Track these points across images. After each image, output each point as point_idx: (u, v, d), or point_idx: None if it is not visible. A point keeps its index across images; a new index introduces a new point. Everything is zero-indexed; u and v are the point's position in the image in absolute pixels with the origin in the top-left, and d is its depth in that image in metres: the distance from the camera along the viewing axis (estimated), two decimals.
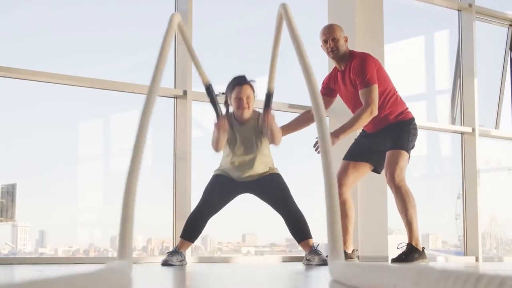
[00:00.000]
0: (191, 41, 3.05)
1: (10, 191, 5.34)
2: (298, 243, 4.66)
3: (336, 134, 4.52)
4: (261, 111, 4.53)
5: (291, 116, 5.37)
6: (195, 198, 5.14)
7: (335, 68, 4.87)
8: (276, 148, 4.60)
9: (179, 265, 4.43)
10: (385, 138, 4.77)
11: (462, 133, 7.20)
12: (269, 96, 4.41)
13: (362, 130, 4.87)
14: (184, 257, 4.55)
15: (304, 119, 5.07)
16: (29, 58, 5.33)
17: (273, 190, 4.53)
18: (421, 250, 4.72)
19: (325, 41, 4.75)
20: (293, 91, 6.60)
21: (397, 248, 4.81)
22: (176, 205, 5.38)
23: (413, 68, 7.51)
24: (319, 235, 5.91)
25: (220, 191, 4.55)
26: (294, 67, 7.26)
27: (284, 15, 2.60)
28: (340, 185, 4.82)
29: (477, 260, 6.88)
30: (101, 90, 5.29)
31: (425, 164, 7.69)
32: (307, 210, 4.69)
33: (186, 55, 5.49)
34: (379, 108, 4.64)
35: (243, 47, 6.53)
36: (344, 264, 1.37)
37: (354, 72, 4.67)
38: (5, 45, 5.27)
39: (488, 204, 7.36)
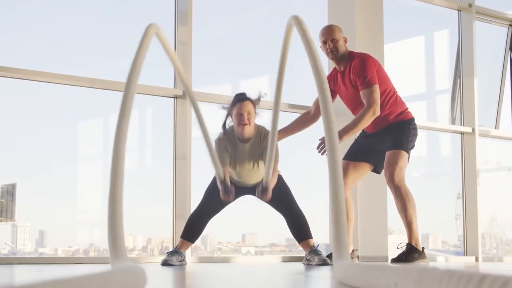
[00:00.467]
0: (174, 53, 3.02)
1: (10, 191, 5.34)
2: (299, 243, 4.66)
3: (339, 135, 4.52)
4: (260, 119, 4.57)
5: (291, 116, 5.37)
6: (195, 198, 5.14)
7: (335, 68, 4.87)
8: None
9: (179, 265, 4.43)
10: (385, 138, 4.77)
11: (462, 133, 7.19)
12: (265, 188, 4.40)
13: (362, 130, 4.87)
14: (184, 257, 4.55)
15: (304, 120, 5.07)
16: (29, 58, 5.33)
17: (274, 190, 4.53)
18: (421, 250, 4.72)
19: (324, 42, 4.75)
20: (293, 91, 6.60)
21: (397, 248, 4.81)
22: (176, 205, 5.38)
23: (413, 68, 7.51)
24: (320, 235, 5.91)
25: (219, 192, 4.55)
26: (294, 67, 7.28)
27: (298, 28, 2.51)
28: None
29: (477, 260, 6.88)
30: (101, 90, 5.29)
31: (425, 164, 7.69)
32: (307, 210, 4.69)
33: (185, 55, 5.49)
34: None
35: (243, 47, 6.53)
36: (349, 265, 1.36)
37: (354, 73, 4.67)
38: (5, 45, 5.27)
39: (488, 204, 7.37)
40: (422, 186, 7.62)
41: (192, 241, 4.58)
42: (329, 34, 4.74)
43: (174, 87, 5.51)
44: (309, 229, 4.63)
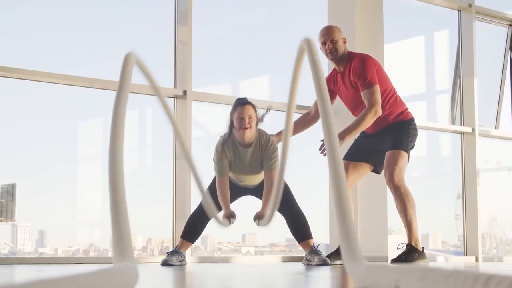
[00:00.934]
0: (157, 83, 2.95)
1: (10, 191, 5.34)
2: (299, 243, 4.66)
3: (341, 136, 4.52)
4: (262, 124, 4.58)
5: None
6: (195, 198, 5.14)
7: (334, 69, 4.87)
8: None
9: (178, 265, 4.43)
10: (384, 138, 4.77)
11: (462, 133, 7.19)
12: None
13: (362, 130, 4.87)
14: (184, 257, 4.55)
15: (304, 121, 5.07)
16: (29, 58, 5.33)
17: None
18: (420, 250, 4.72)
19: (324, 43, 4.75)
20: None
21: (397, 249, 4.81)
22: (176, 205, 5.38)
23: (413, 68, 7.51)
24: (320, 236, 5.91)
25: None
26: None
27: (308, 52, 2.42)
28: None
29: (477, 260, 6.88)
30: (100, 90, 5.29)
31: (425, 164, 7.69)
32: (308, 210, 4.69)
33: (185, 55, 5.49)
34: None
35: (243, 47, 6.53)
36: (372, 267, 1.32)
37: (354, 74, 4.66)
38: (5, 45, 5.27)
39: (488, 204, 7.37)
40: (422, 186, 7.62)
41: (192, 241, 4.58)
42: (328, 35, 4.73)
43: (174, 87, 5.51)
44: (309, 229, 4.63)
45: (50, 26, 5.55)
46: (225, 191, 4.45)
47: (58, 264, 4.62)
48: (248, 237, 6.47)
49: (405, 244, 4.73)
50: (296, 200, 4.65)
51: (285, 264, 5.15)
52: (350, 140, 4.89)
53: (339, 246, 4.89)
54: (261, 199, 4.60)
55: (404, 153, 4.72)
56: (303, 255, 4.69)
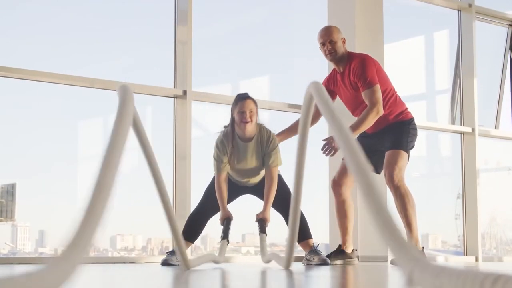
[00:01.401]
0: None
1: (10, 191, 5.35)
2: (298, 243, 4.66)
3: None
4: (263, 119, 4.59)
5: (291, 116, 5.37)
6: (195, 198, 5.14)
7: (334, 69, 4.87)
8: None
9: (178, 264, 4.43)
10: (384, 138, 4.77)
11: (462, 133, 7.20)
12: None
13: None
14: None
15: None
16: (29, 58, 5.33)
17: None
18: (420, 250, 4.72)
19: (323, 44, 4.75)
20: (293, 91, 6.60)
21: None
22: (176, 205, 5.38)
23: (413, 68, 7.51)
24: (319, 235, 5.92)
25: None
26: (294, 67, 7.24)
27: (317, 98, 2.38)
28: (340, 185, 4.83)
29: (476, 260, 6.88)
30: (100, 90, 5.29)
31: (424, 164, 7.69)
32: (308, 210, 4.68)
33: (185, 55, 5.49)
34: None
35: (243, 47, 6.53)
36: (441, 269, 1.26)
37: (354, 74, 4.66)
38: (5, 45, 5.27)
39: (487, 204, 7.36)
40: (422, 186, 7.62)
41: (192, 241, 4.58)
42: (327, 36, 4.73)
43: (174, 87, 5.52)
44: (309, 229, 4.64)
45: (50, 26, 5.55)
46: (223, 190, 4.46)
47: None
48: (248, 237, 6.48)
49: None
50: None
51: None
52: None
53: (339, 246, 4.89)
54: (261, 198, 4.60)
55: (404, 153, 4.72)
56: (303, 255, 4.69)
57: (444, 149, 7.90)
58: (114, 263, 4.90)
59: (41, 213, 5.44)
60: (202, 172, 5.27)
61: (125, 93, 2.22)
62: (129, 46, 5.89)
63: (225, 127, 4.57)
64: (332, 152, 4.55)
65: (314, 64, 6.38)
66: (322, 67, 6.08)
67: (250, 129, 4.46)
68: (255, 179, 4.64)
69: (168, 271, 3.53)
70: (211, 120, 4.86)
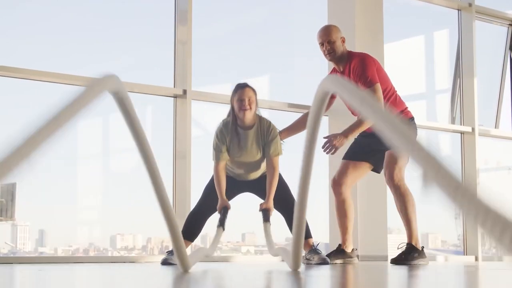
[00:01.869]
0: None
1: (10, 190, 5.35)
2: None
3: (345, 134, 4.54)
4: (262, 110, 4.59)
5: (291, 115, 5.37)
6: (194, 197, 5.14)
7: (334, 68, 4.87)
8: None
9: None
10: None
11: (462, 133, 7.20)
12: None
13: None
14: None
15: (305, 120, 5.06)
16: (29, 58, 5.33)
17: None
18: (420, 249, 4.72)
19: (322, 44, 4.75)
20: (293, 91, 6.60)
21: (398, 249, 4.81)
22: (176, 204, 5.38)
23: (413, 67, 7.51)
24: (319, 235, 5.92)
25: None
26: (294, 67, 7.24)
27: (339, 88, 2.22)
28: (340, 184, 4.83)
29: (476, 259, 6.89)
30: None
31: None
32: (308, 209, 4.67)
33: (185, 55, 5.49)
34: None
35: (243, 47, 6.53)
36: None
37: (354, 73, 4.66)
38: (5, 44, 5.27)
39: None
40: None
41: (192, 240, 4.58)
42: (326, 36, 4.73)
43: (174, 87, 5.52)
44: (308, 228, 4.63)
45: (50, 26, 5.56)
46: (221, 178, 4.47)
47: (58, 264, 4.62)
48: (248, 237, 6.48)
49: (405, 244, 4.73)
50: (296, 199, 4.64)
51: (285, 263, 5.14)
52: (350, 140, 4.90)
53: (339, 245, 4.89)
54: (260, 196, 4.60)
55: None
56: (303, 254, 4.69)
57: (444, 148, 7.90)
58: (114, 262, 4.90)
59: (41, 212, 5.44)
60: (202, 172, 5.27)
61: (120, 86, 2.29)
62: (129, 46, 5.90)
63: (222, 121, 4.59)
64: (332, 150, 4.55)
65: (314, 64, 6.39)
66: (322, 67, 6.07)
67: (249, 117, 4.48)
68: (256, 173, 4.62)
69: (168, 271, 3.53)
70: (211, 120, 4.86)
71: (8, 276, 3.15)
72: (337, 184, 4.85)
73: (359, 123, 4.59)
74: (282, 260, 4.17)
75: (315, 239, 4.72)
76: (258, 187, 4.60)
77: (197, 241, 4.90)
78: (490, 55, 7.93)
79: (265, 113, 5.22)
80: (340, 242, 4.89)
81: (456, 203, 1.28)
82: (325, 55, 4.77)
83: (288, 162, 4.82)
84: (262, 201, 4.57)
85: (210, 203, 4.52)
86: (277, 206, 4.59)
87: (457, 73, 7.35)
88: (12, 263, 4.64)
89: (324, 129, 5.67)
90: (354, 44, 5.84)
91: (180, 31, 5.56)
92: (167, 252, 4.59)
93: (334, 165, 5.57)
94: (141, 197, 5.69)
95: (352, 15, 6.14)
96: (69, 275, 3.29)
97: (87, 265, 4.41)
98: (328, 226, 6.08)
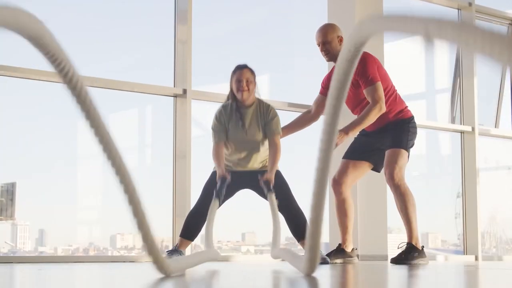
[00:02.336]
0: None
1: (9, 190, 5.35)
2: (298, 242, 4.66)
3: (345, 131, 4.54)
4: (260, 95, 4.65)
5: (291, 115, 5.37)
6: (194, 197, 5.14)
7: (334, 67, 4.87)
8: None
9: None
10: (384, 137, 4.77)
11: (462, 132, 7.20)
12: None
13: (362, 129, 4.87)
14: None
15: (304, 119, 5.08)
16: (29, 57, 5.33)
17: (274, 188, 4.53)
18: (420, 249, 4.72)
19: (318, 45, 4.78)
20: (293, 90, 6.60)
21: (398, 248, 4.81)
22: (176, 204, 5.38)
23: (413, 67, 7.51)
24: None
25: None
26: (294, 67, 7.24)
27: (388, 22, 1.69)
28: (340, 184, 4.83)
29: (476, 259, 6.89)
30: (100, 89, 5.29)
31: (424, 163, 7.69)
32: (307, 209, 4.68)
33: (185, 54, 5.49)
34: None
35: (243, 47, 6.53)
36: None
37: (355, 72, 4.66)
38: (5, 44, 5.27)
39: (487, 203, 7.37)
40: (422, 185, 7.62)
41: (191, 239, 4.58)
42: (321, 37, 4.76)
43: (174, 86, 5.52)
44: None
45: (50, 26, 5.55)
46: (220, 153, 4.49)
47: (58, 263, 4.62)
48: (247, 236, 6.48)
49: (405, 243, 4.74)
50: (295, 199, 4.64)
51: (285, 262, 5.14)
52: (349, 139, 4.90)
53: (339, 245, 4.90)
54: (260, 194, 4.58)
55: (404, 152, 4.72)
56: (303, 254, 4.69)
57: (444, 148, 7.90)
58: (114, 262, 4.90)
59: (41, 212, 5.44)
60: (201, 171, 5.27)
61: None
62: (129, 46, 5.90)
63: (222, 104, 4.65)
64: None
65: (314, 64, 6.39)
66: (322, 67, 6.07)
67: (247, 97, 4.53)
68: (256, 159, 4.58)
69: None
70: (210, 119, 4.86)
71: (8, 275, 3.15)
72: (337, 183, 4.85)
73: (360, 120, 4.59)
74: (283, 260, 4.07)
75: None
76: (257, 184, 4.57)
77: (197, 240, 4.90)
78: None
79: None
80: (340, 241, 4.90)
81: (458, 38, 1.23)
82: (323, 56, 4.79)
83: (288, 162, 4.83)
84: (262, 200, 4.57)
85: (210, 202, 4.51)
86: (278, 207, 4.59)
87: (457, 72, 7.35)
88: (12, 262, 4.65)
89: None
90: None
91: (180, 31, 5.56)
92: (167, 251, 4.59)
93: (334, 164, 5.57)
94: (141, 196, 5.69)
95: (352, 15, 6.14)
96: (69, 275, 3.29)
97: (87, 265, 4.41)
98: (328, 225, 6.07)
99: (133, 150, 5.98)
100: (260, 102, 4.60)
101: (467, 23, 1.12)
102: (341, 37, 4.77)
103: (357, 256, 5.01)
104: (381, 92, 4.61)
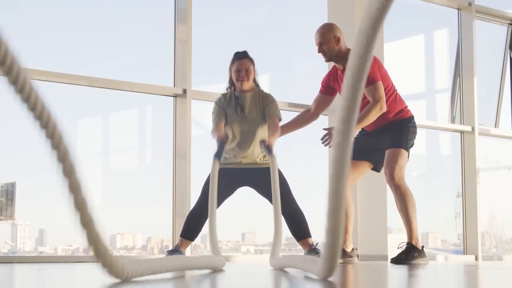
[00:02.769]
0: None
1: (9, 190, 5.35)
2: (298, 242, 4.66)
3: None
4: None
5: (291, 115, 5.37)
6: (194, 196, 5.14)
7: (335, 66, 4.88)
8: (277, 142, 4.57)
9: None
10: (384, 137, 4.77)
11: (462, 132, 7.20)
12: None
13: (362, 128, 4.87)
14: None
15: (303, 118, 5.08)
16: (29, 57, 5.33)
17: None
18: (420, 248, 4.72)
19: (316, 46, 4.79)
20: (293, 90, 6.60)
21: (398, 248, 4.81)
22: (176, 204, 5.38)
23: (413, 67, 7.51)
24: (319, 234, 5.91)
25: (219, 186, 4.51)
26: (294, 67, 7.24)
27: None
28: None
29: (476, 259, 6.89)
30: (100, 89, 5.30)
31: (424, 163, 7.70)
32: (307, 208, 4.68)
33: (185, 54, 5.49)
34: None
35: (243, 47, 6.52)
36: None
37: None
38: None
39: (487, 202, 7.37)
40: (422, 185, 7.62)
41: (192, 239, 4.58)
42: (317, 39, 4.77)
43: (174, 86, 5.52)
44: (308, 227, 4.63)
45: (50, 26, 5.56)
46: (220, 127, 4.52)
47: (58, 263, 4.62)
48: (247, 236, 6.48)
49: (405, 243, 4.74)
50: (295, 198, 4.64)
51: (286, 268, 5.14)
52: None
53: None
54: (260, 192, 4.57)
55: (404, 152, 4.72)
56: (303, 254, 4.69)
57: (444, 148, 7.91)
58: None
59: (40, 212, 5.44)
60: (201, 171, 5.27)
61: None
62: (129, 46, 5.90)
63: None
64: (331, 143, 4.56)
65: (314, 64, 6.39)
66: (322, 67, 6.08)
67: (247, 86, 4.58)
68: (255, 146, 4.55)
69: None
70: (210, 119, 4.86)
71: (8, 275, 3.15)
72: None
73: (360, 119, 4.59)
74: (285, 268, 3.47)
75: (314, 238, 4.72)
76: (257, 182, 4.56)
77: (197, 240, 4.90)
78: (490, 54, 7.93)
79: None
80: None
81: None
82: (322, 56, 4.80)
83: (288, 162, 4.82)
84: (262, 198, 4.56)
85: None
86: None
87: (457, 72, 7.35)
88: (12, 262, 4.65)
89: (323, 123, 5.68)
90: None
91: (180, 31, 5.56)
92: (167, 251, 4.59)
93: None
94: (141, 196, 5.69)
95: (352, 15, 6.14)
96: (69, 275, 3.29)
97: (87, 265, 4.40)
98: None
99: (133, 150, 5.99)
100: (259, 89, 4.64)
101: None
102: (338, 37, 4.76)
103: (357, 256, 5.01)
104: (382, 92, 4.61)
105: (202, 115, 5.85)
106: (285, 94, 6.31)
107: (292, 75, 6.84)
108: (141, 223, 5.86)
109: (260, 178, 4.52)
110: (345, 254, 4.83)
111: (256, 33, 6.65)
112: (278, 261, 3.59)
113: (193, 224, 4.54)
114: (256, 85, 4.64)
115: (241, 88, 4.57)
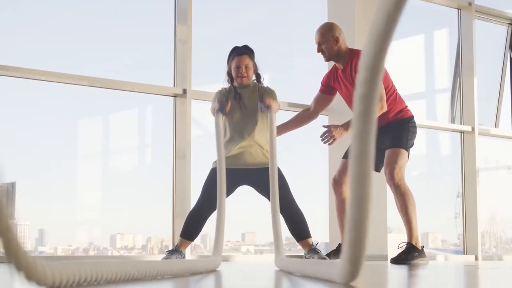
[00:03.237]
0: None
1: (9, 190, 5.35)
2: (298, 242, 4.66)
3: (345, 127, 4.55)
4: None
5: (291, 115, 5.37)
6: (194, 196, 5.14)
7: (335, 65, 4.88)
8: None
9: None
10: (384, 136, 4.77)
11: (462, 132, 7.20)
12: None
13: None
14: (184, 256, 4.54)
15: (303, 117, 5.08)
16: (29, 57, 5.33)
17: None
18: (420, 248, 4.72)
19: (316, 45, 4.80)
20: (293, 90, 6.60)
21: (398, 248, 4.81)
22: (176, 204, 5.38)
23: (413, 66, 7.51)
24: (319, 234, 5.92)
25: None
26: (294, 67, 7.24)
27: None
28: (340, 183, 4.83)
29: (476, 258, 6.89)
30: (100, 89, 5.30)
31: (424, 163, 7.70)
32: (306, 208, 4.69)
33: (185, 54, 5.49)
34: None
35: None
36: None
37: (356, 71, 4.66)
38: (5, 43, 5.27)
39: (487, 202, 7.37)
40: (422, 185, 7.62)
41: (192, 239, 4.57)
42: (317, 39, 4.78)
43: (174, 86, 5.52)
44: (307, 227, 4.62)
45: (50, 26, 5.56)
46: (220, 98, 4.54)
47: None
48: (247, 236, 6.48)
49: (405, 243, 4.74)
50: (295, 198, 4.64)
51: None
52: (349, 137, 4.90)
53: (339, 245, 4.90)
54: (259, 191, 4.56)
55: (404, 151, 4.72)
56: (302, 254, 4.69)
57: (444, 148, 7.91)
58: None
59: (40, 211, 5.44)
60: (201, 171, 5.27)
61: None
62: (129, 46, 5.90)
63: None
64: (330, 141, 4.57)
65: (314, 64, 6.39)
66: (322, 67, 6.08)
67: (247, 82, 4.58)
68: (256, 138, 4.55)
69: None
70: (210, 119, 4.85)
71: (8, 275, 3.15)
72: (337, 183, 4.86)
73: None
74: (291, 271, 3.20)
75: (314, 238, 4.72)
76: (257, 181, 4.55)
77: (197, 240, 4.90)
78: (490, 54, 7.93)
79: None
80: (340, 241, 4.90)
81: None
82: (322, 55, 4.81)
83: (288, 161, 4.82)
84: (262, 198, 4.56)
85: (210, 201, 4.50)
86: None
87: (457, 72, 7.35)
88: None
89: (323, 120, 5.68)
90: (354, 43, 5.84)
91: (180, 31, 5.56)
92: (167, 251, 4.59)
93: (334, 164, 5.58)
94: (141, 196, 5.69)
95: (352, 15, 6.14)
96: None
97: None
98: (328, 225, 6.08)
99: (133, 150, 5.99)
100: (258, 84, 4.63)
101: None
102: (337, 37, 4.75)
103: None
104: (382, 91, 4.61)
105: (202, 115, 5.85)
106: (285, 94, 6.31)
107: (292, 75, 6.84)
108: (141, 223, 5.86)
109: (259, 177, 4.52)
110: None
111: (256, 33, 6.65)
112: (286, 264, 3.42)
113: (193, 224, 4.53)
114: (258, 76, 4.63)
115: (241, 83, 4.58)
